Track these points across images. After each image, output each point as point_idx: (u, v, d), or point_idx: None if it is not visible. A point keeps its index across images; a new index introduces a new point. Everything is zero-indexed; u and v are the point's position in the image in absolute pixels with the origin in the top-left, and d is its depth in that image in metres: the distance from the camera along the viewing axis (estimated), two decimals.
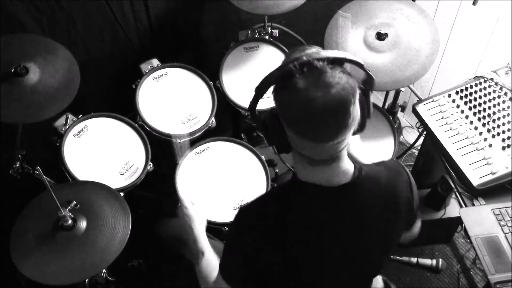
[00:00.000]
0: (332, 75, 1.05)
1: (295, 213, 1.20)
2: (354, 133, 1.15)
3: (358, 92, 1.09)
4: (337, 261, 1.27)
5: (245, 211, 1.28)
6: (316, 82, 1.05)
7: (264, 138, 1.21)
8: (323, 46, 2.10)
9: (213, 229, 1.90)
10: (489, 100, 1.96)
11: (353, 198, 1.20)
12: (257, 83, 1.13)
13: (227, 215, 1.97)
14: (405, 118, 2.96)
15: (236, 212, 1.30)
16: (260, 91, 1.13)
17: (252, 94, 1.16)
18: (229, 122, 2.49)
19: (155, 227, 2.01)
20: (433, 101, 2.03)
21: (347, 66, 1.13)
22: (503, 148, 1.84)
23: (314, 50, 1.10)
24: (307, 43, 2.59)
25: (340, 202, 1.19)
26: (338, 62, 1.09)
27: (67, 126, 2.00)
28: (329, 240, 1.22)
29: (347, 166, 1.19)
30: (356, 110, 1.10)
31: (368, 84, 1.17)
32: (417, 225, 1.46)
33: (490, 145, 1.86)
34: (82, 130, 2.04)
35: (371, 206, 1.23)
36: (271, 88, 1.13)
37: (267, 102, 1.17)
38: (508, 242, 1.67)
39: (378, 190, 1.23)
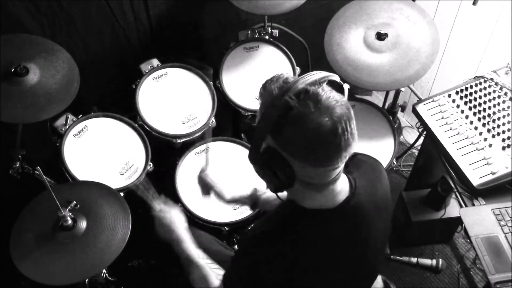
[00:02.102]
0: (327, 96, 1.04)
1: (305, 241, 1.17)
2: None
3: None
4: (345, 279, 1.26)
5: (252, 245, 1.24)
6: (316, 108, 1.03)
7: (265, 179, 1.16)
8: (323, 46, 2.12)
9: (213, 229, 1.91)
10: (489, 100, 1.96)
11: (355, 212, 1.19)
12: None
13: (227, 215, 1.97)
14: (405, 118, 2.96)
15: (241, 241, 1.28)
16: (260, 137, 1.08)
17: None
18: (229, 122, 2.49)
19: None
20: (433, 101, 2.03)
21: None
22: (503, 148, 1.84)
23: (292, 78, 1.08)
24: (307, 43, 2.61)
25: (344, 220, 1.19)
26: (322, 83, 1.07)
27: (67, 126, 2.00)
28: (338, 261, 1.22)
29: (343, 180, 1.18)
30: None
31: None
32: None
33: (490, 145, 1.86)
34: (82, 130, 2.04)
35: (371, 212, 1.23)
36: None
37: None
38: (508, 242, 1.67)
39: (375, 194, 1.23)
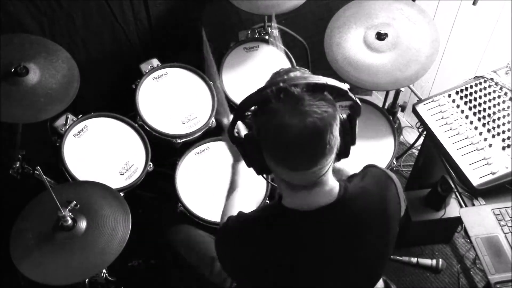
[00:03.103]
0: (309, 103, 1.01)
1: (278, 241, 1.17)
2: (339, 159, 1.13)
3: (338, 119, 1.06)
4: (329, 283, 1.24)
5: (234, 222, 1.25)
6: (292, 109, 1.01)
7: (243, 160, 1.19)
8: (323, 46, 2.12)
9: (213, 229, 1.91)
10: (489, 100, 1.96)
11: (337, 219, 1.17)
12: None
13: None
14: (405, 118, 2.96)
15: (220, 231, 1.30)
16: (238, 113, 1.11)
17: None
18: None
19: (167, 232, 2.00)
20: (433, 101, 2.03)
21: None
22: (503, 148, 1.84)
23: (296, 75, 1.07)
24: (307, 43, 2.61)
25: (324, 224, 1.16)
26: (319, 89, 1.05)
27: (67, 126, 2.00)
28: (316, 263, 1.20)
29: (331, 187, 1.15)
30: (334, 139, 1.05)
31: (354, 109, 1.12)
32: None
33: (490, 145, 1.86)
34: (82, 130, 2.04)
35: (359, 224, 1.19)
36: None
37: None
38: (508, 242, 1.67)
39: (367, 208, 1.20)
